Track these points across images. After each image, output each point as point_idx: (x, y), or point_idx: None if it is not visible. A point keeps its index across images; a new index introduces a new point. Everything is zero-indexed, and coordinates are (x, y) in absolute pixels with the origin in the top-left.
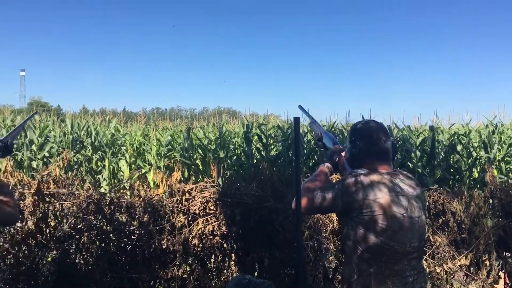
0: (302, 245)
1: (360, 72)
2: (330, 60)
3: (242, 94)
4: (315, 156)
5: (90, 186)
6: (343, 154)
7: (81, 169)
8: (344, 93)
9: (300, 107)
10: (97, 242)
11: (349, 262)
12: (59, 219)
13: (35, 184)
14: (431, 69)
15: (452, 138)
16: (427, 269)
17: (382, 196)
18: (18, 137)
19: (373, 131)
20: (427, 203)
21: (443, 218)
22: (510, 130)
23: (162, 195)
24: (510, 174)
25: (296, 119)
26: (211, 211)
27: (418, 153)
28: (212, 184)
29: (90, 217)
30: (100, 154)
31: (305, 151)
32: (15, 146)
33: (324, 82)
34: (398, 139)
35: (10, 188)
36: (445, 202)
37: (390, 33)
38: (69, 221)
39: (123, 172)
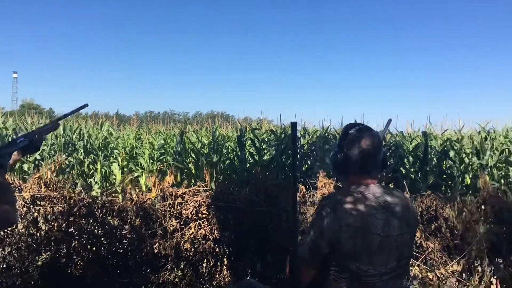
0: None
1: (356, 77)
2: (324, 64)
3: (235, 99)
4: (308, 161)
5: (82, 189)
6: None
7: (73, 172)
8: (339, 97)
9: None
10: (88, 246)
11: (323, 279)
12: (50, 222)
13: (26, 187)
14: (425, 74)
15: (445, 144)
16: (420, 275)
17: (355, 220)
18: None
19: (365, 141)
20: (417, 212)
21: (436, 224)
22: (502, 136)
23: (155, 199)
24: (502, 180)
25: (294, 124)
26: (204, 216)
27: (411, 158)
28: (205, 188)
29: (82, 220)
30: (92, 157)
31: (299, 156)
32: (44, 142)
33: (318, 86)
34: (391, 144)
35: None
36: (437, 208)
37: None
38: (60, 224)
39: (115, 176)
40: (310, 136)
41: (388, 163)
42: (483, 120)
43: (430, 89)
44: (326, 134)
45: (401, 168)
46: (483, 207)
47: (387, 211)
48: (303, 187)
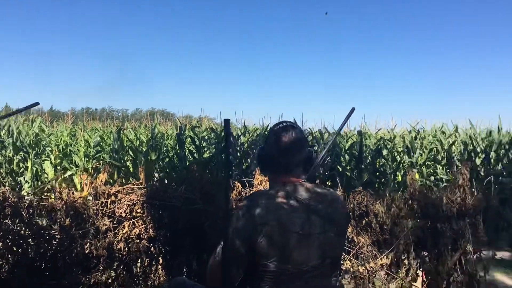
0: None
1: (293, 76)
2: (263, 61)
3: (176, 96)
4: (248, 159)
5: (7, 188)
6: None
7: (1, 170)
8: (278, 95)
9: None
10: (14, 248)
11: (245, 279)
12: None
13: None
14: (360, 74)
15: (379, 143)
16: (351, 269)
17: (271, 218)
18: None
19: (285, 138)
20: (349, 209)
21: (366, 219)
22: (431, 136)
23: (86, 198)
24: (432, 177)
25: (226, 121)
26: (138, 214)
27: (347, 157)
28: (140, 186)
29: (6, 221)
30: (22, 155)
31: (238, 154)
32: None
33: (258, 84)
34: (328, 143)
35: None
36: (368, 204)
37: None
38: None
39: (47, 174)
40: (250, 134)
41: (314, 162)
42: (414, 120)
43: (365, 89)
44: (266, 133)
45: (338, 166)
46: (410, 202)
47: (308, 209)
48: (239, 184)
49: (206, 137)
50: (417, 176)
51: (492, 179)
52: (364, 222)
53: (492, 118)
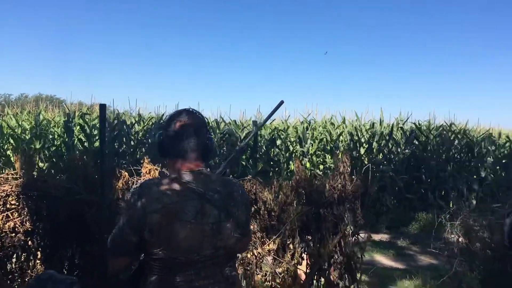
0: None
1: (192, 64)
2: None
3: (66, 81)
4: (143, 148)
5: None
6: None
7: None
8: (176, 83)
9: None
10: None
11: (139, 268)
12: None
13: None
14: (258, 65)
15: (273, 133)
16: (240, 255)
17: (163, 206)
18: None
19: (180, 123)
20: (249, 199)
21: (255, 207)
22: (321, 127)
23: None
24: (321, 166)
25: (102, 106)
26: (13, 206)
27: None
28: (15, 176)
29: None
30: None
31: (132, 143)
32: None
33: (155, 71)
34: (224, 132)
35: None
36: (257, 191)
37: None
38: None
39: None
40: (145, 123)
41: (213, 149)
42: (305, 111)
43: (262, 79)
44: (161, 121)
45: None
46: (296, 190)
47: (203, 198)
48: (126, 174)
49: (98, 125)
50: (308, 165)
51: (373, 168)
52: (253, 209)
53: (375, 111)
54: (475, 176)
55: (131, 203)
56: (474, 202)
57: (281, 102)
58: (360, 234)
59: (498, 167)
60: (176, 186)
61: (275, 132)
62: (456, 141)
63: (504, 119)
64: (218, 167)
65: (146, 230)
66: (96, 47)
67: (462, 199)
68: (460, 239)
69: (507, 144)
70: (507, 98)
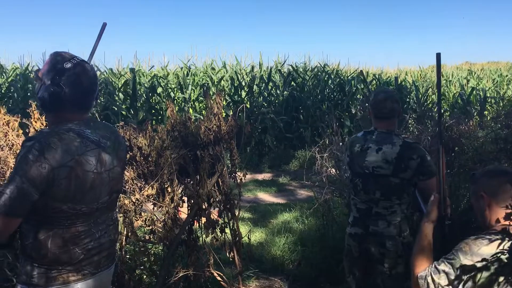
0: None
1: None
2: None
3: None
4: (10, 103)
5: None
6: None
7: None
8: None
9: None
10: None
11: (27, 221)
12: None
13: None
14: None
15: (152, 80)
16: (118, 203)
17: (68, 160)
18: None
19: (89, 76)
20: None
21: (131, 154)
22: (202, 72)
23: None
24: (204, 112)
25: None
26: None
27: (121, 95)
28: None
29: None
30: None
31: None
32: None
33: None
34: (100, 81)
35: None
36: (131, 138)
37: None
38: None
39: None
40: (9, 75)
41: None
42: (185, 57)
43: (137, 24)
44: (28, 72)
45: (113, 106)
46: (172, 133)
47: (99, 147)
48: None
49: None
50: (191, 111)
51: (255, 111)
52: (128, 156)
53: (255, 55)
54: (346, 113)
55: (30, 160)
56: (346, 137)
57: (104, 24)
58: (238, 173)
59: (366, 104)
60: (76, 138)
61: (155, 79)
62: (330, 81)
63: (371, 59)
64: None
65: (55, 186)
66: None
67: (332, 134)
68: (328, 170)
69: (374, 81)
70: (373, 41)
